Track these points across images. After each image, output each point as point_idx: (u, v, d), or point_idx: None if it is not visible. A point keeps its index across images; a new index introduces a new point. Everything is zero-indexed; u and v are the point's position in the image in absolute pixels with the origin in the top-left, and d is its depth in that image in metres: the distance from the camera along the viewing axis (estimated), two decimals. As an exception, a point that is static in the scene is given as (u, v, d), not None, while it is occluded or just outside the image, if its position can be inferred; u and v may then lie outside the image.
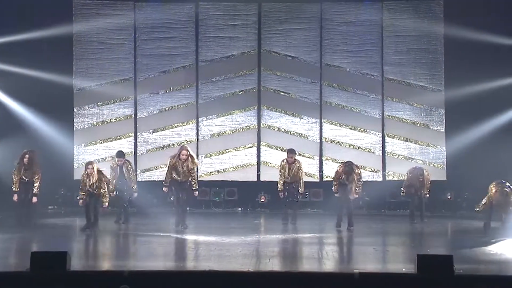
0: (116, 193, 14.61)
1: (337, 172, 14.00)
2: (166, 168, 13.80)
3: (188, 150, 13.72)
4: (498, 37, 15.44)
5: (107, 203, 13.60)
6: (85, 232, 13.33)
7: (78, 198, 13.75)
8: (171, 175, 13.60)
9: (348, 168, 13.66)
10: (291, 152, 14.89)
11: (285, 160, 14.80)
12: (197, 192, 13.97)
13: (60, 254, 8.92)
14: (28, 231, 13.51)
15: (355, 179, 13.66)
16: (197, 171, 14.60)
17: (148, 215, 15.21)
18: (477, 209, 13.94)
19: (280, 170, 14.79)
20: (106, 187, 13.54)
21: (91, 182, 13.38)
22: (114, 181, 14.51)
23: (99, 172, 13.58)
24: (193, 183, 13.69)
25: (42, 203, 16.06)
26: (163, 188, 13.85)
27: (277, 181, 14.75)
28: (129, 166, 14.72)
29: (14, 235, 12.88)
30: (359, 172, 13.89)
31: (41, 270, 8.64)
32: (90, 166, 13.50)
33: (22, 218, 14.15)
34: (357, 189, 13.85)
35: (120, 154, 14.85)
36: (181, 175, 13.52)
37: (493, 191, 13.40)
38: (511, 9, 15.52)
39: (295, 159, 14.74)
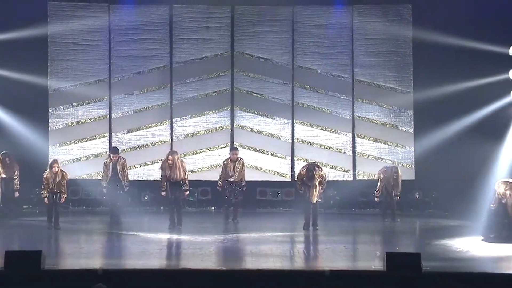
0: (105, 190, 14.58)
1: (299, 173, 13.91)
2: (160, 175, 13.98)
3: (174, 157, 13.77)
4: (465, 40, 15.55)
5: (63, 199, 13.88)
6: (49, 229, 13.39)
7: (42, 197, 13.86)
8: (166, 177, 13.71)
9: (310, 174, 13.43)
10: (234, 149, 15.04)
11: (228, 159, 14.84)
12: (187, 192, 14.03)
13: (35, 253, 8.87)
14: (5, 227, 13.50)
15: (317, 182, 13.44)
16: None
17: (122, 214, 15.10)
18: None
19: (222, 170, 14.86)
20: (66, 184, 13.89)
21: (57, 180, 13.59)
22: (108, 179, 14.47)
23: (62, 170, 13.89)
24: (184, 183, 13.78)
25: (17, 203, 16.00)
26: (162, 193, 13.93)
27: (222, 180, 14.80)
28: (124, 162, 14.66)
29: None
30: (322, 173, 13.60)
31: (16, 269, 8.58)
32: (55, 165, 13.74)
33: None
34: (321, 191, 13.66)
35: (115, 150, 14.90)
36: (173, 177, 13.60)
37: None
38: (477, 13, 15.65)
39: (238, 157, 14.78)
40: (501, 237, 12.31)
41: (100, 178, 15.11)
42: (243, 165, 14.81)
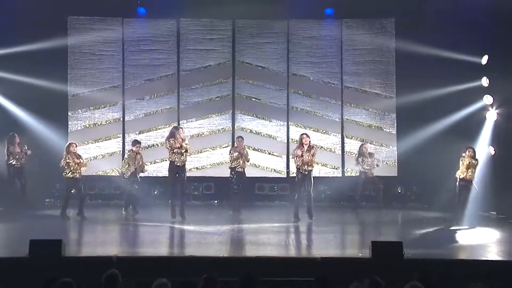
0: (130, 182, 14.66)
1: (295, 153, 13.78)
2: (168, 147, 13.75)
3: (182, 129, 13.97)
4: (442, 51, 15.55)
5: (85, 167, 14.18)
6: (65, 220, 13.41)
7: (61, 165, 13.91)
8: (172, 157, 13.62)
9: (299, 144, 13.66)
10: (240, 138, 15.21)
11: (236, 149, 14.93)
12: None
13: (56, 242, 8.89)
14: (30, 219, 13.50)
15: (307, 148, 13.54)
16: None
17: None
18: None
19: (236, 158, 14.85)
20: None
21: (77, 161, 13.79)
22: (131, 170, 14.54)
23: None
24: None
25: (40, 196, 16.02)
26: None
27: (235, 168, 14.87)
28: (140, 155, 14.83)
29: (14, 225, 12.79)
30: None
31: (39, 256, 8.60)
32: (74, 144, 14.12)
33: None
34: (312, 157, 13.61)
35: (137, 141, 15.03)
36: (177, 158, 13.56)
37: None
38: (453, 27, 15.65)
39: (243, 145, 15.00)
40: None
41: (117, 174, 15.13)
42: (247, 153, 14.98)
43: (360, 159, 15.78)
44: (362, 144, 16.04)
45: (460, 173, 13.56)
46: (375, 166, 15.76)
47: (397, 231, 13.57)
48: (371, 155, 15.82)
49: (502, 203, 14.63)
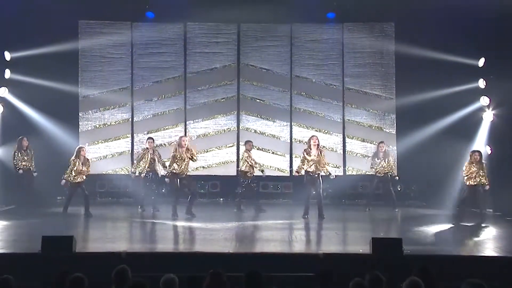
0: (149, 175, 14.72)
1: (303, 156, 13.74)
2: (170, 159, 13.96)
3: (186, 137, 14.03)
4: (440, 53, 15.55)
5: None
6: (65, 215, 13.57)
7: (63, 178, 13.88)
8: (173, 166, 13.69)
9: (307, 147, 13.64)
10: (250, 141, 15.33)
11: (248, 151, 15.00)
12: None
13: (67, 238, 8.91)
14: (42, 216, 13.53)
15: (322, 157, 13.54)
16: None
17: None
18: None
19: (249, 160, 14.95)
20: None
21: (84, 167, 13.82)
22: (145, 169, 14.66)
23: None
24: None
25: (51, 194, 16.04)
26: (165, 179, 14.22)
27: (248, 171, 14.94)
28: (151, 152, 14.82)
29: (26, 222, 12.81)
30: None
31: (51, 251, 8.62)
32: (83, 149, 14.08)
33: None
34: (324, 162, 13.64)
35: (150, 138, 15.12)
36: (177, 167, 13.62)
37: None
38: (451, 30, 15.64)
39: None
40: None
41: (126, 172, 15.15)
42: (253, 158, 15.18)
43: (374, 160, 15.44)
44: (379, 143, 15.55)
45: (469, 177, 13.31)
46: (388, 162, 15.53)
47: (396, 228, 13.54)
48: (385, 155, 15.41)
49: (498, 200, 14.61)
